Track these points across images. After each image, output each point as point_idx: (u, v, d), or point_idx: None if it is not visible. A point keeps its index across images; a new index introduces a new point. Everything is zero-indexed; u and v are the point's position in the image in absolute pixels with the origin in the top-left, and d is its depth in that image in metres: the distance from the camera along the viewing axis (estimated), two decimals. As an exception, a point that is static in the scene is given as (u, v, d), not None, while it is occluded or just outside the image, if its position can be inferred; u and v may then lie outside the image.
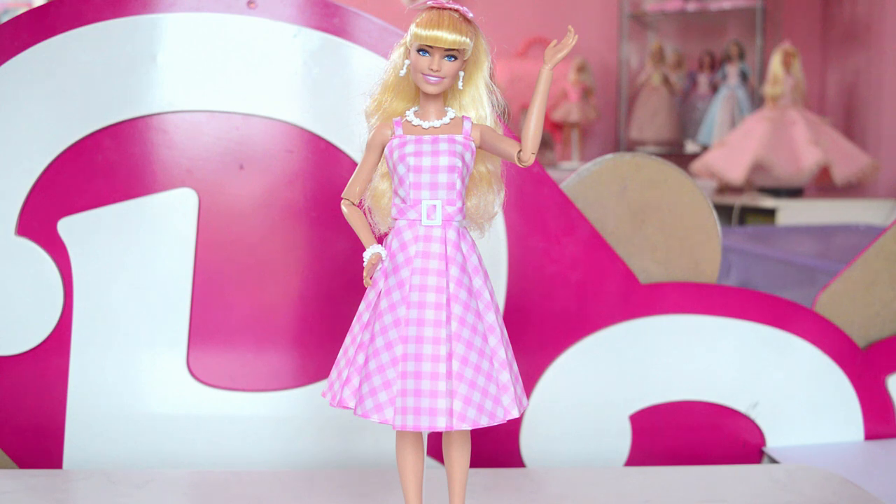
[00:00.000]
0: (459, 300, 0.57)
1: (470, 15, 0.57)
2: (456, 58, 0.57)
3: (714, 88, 3.58)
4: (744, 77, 3.47)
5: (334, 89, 0.83)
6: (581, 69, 3.59)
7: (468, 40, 0.56)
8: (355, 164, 0.83)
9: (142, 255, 0.84)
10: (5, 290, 0.82)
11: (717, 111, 3.44)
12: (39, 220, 0.82)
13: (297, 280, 0.86)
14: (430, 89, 0.57)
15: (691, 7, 3.55)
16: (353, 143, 0.84)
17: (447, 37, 0.55)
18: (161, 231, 0.84)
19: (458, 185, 0.58)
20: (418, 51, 0.56)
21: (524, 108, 3.69)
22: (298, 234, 0.85)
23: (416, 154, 0.57)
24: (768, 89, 2.94)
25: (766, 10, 3.47)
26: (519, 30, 3.60)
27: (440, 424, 0.55)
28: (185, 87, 0.83)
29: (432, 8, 0.57)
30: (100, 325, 0.84)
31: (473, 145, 0.59)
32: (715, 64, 3.63)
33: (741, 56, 3.50)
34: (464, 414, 0.56)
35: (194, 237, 0.84)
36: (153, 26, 0.82)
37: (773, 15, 3.60)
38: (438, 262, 0.57)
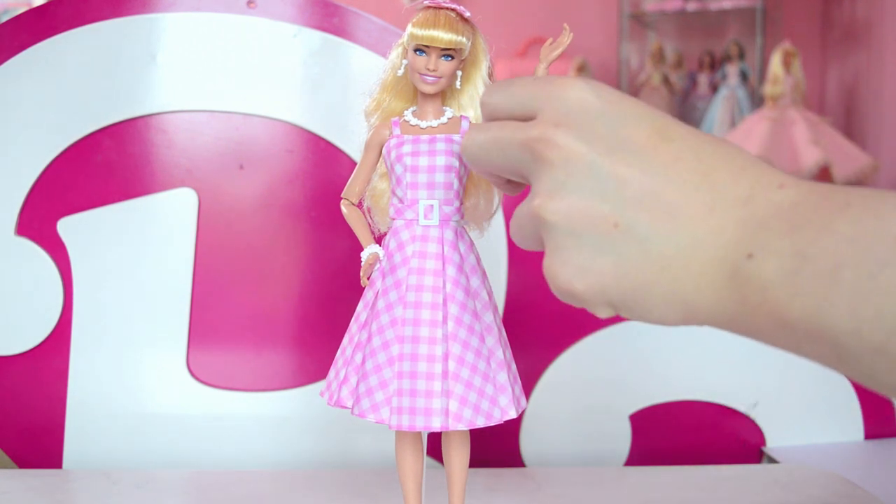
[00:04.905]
0: (456, 300, 0.56)
1: (467, 14, 0.57)
2: (453, 57, 0.56)
3: (714, 88, 3.58)
4: (744, 77, 3.47)
5: (334, 89, 0.83)
6: (581, 69, 3.59)
7: (465, 40, 0.56)
8: (355, 164, 0.83)
9: (142, 255, 0.84)
10: (5, 290, 0.82)
11: (717, 111, 3.44)
12: (39, 219, 0.82)
13: (297, 280, 0.86)
14: (427, 89, 0.57)
15: (691, 7, 3.55)
16: (352, 143, 0.84)
17: (443, 36, 0.55)
18: (161, 231, 0.84)
19: (456, 184, 0.57)
20: (415, 50, 0.56)
21: (524, 108, 3.68)
22: (298, 234, 0.85)
23: (413, 154, 0.57)
24: (768, 89, 2.94)
25: (766, 10, 3.47)
26: (519, 30, 3.60)
27: (435, 424, 0.55)
28: (185, 87, 0.83)
29: (429, 7, 0.56)
30: (99, 324, 0.84)
31: None
32: (715, 64, 3.63)
33: (741, 56, 3.50)
34: (459, 414, 0.56)
35: (194, 237, 0.84)
36: (153, 26, 0.82)
37: (773, 15, 3.60)
38: (435, 262, 0.56)
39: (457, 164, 0.57)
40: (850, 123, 3.39)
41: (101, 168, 0.83)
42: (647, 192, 0.37)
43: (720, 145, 0.39)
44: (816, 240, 0.34)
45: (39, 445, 0.84)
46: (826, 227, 0.34)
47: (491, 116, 0.45)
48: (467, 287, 0.57)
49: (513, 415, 0.57)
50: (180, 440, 0.84)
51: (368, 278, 0.58)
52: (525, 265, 0.85)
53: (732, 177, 0.38)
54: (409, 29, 0.56)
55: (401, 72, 0.58)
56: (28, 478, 0.77)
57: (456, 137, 0.58)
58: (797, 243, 0.34)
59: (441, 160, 0.57)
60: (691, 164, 0.38)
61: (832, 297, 0.33)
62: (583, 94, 0.39)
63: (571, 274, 0.40)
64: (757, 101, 3.34)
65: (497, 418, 0.57)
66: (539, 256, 0.48)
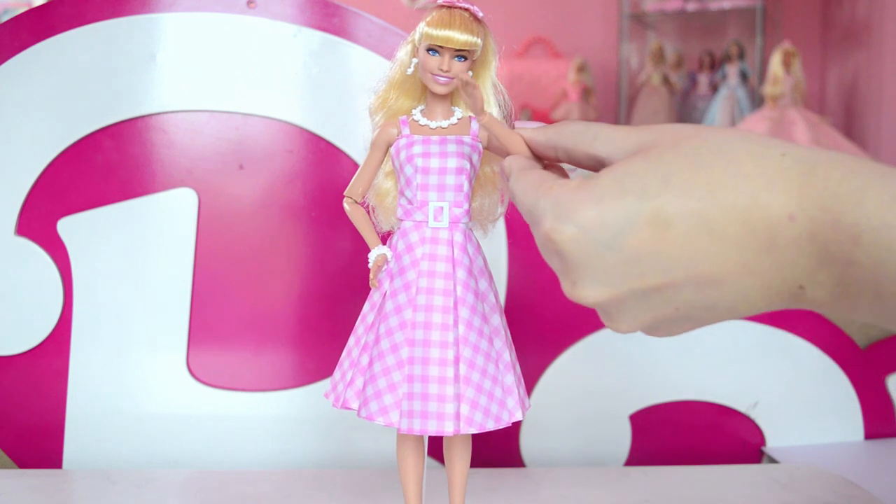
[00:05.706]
0: (466, 303, 0.56)
1: (480, 14, 0.56)
2: (466, 58, 0.55)
3: (714, 88, 3.58)
4: (744, 77, 3.47)
5: (334, 89, 0.83)
6: (581, 69, 3.59)
7: (479, 40, 0.55)
8: (355, 164, 0.83)
9: (142, 255, 0.84)
10: (5, 290, 0.82)
11: (717, 111, 3.44)
12: (39, 220, 0.82)
13: (297, 280, 0.86)
14: (439, 89, 0.56)
15: (691, 7, 3.55)
16: (352, 142, 0.84)
17: (458, 37, 0.54)
18: (161, 231, 0.84)
19: (466, 186, 0.57)
20: (428, 50, 0.55)
21: (523, 108, 3.69)
22: (298, 234, 0.85)
23: (424, 155, 0.56)
24: (768, 89, 2.94)
25: (766, 10, 3.47)
26: (519, 30, 3.60)
27: (447, 429, 0.54)
28: (185, 87, 0.83)
29: (443, 6, 0.55)
30: (99, 325, 0.83)
31: (481, 146, 0.58)
32: (715, 64, 3.63)
33: (741, 56, 3.50)
34: (471, 418, 0.55)
35: (194, 237, 0.84)
36: (152, 26, 0.82)
37: (773, 15, 3.60)
38: (445, 264, 0.56)
39: (467, 166, 0.56)
40: (850, 123, 3.39)
41: (101, 168, 0.83)
42: (686, 282, 0.40)
43: (716, 193, 0.39)
44: (847, 275, 0.37)
45: (39, 445, 0.84)
46: (851, 262, 0.37)
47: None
48: (476, 290, 0.57)
49: (519, 417, 0.57)
50: (180, 440, 0.84)
51: (376, 279, 0.57)
52: (525, 266, 0.85)
53: (745, 226, 0.39)
54: (423, 28, 0.55)
55: (410, 70, 0.57)
56: (28, 478, 0.77)
57: (466, 139, 0.57)
58: (834, 275, 0.38)
59: (452, 162, 0.56)
60: (703, 237, 0.40)
61: (886, 315, 0.37)
62: (569, 237, 0.42)
63: (644, 329, 0.45)
64: (757, 101, 3.34)
65: (505, 421, 0.57)
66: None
